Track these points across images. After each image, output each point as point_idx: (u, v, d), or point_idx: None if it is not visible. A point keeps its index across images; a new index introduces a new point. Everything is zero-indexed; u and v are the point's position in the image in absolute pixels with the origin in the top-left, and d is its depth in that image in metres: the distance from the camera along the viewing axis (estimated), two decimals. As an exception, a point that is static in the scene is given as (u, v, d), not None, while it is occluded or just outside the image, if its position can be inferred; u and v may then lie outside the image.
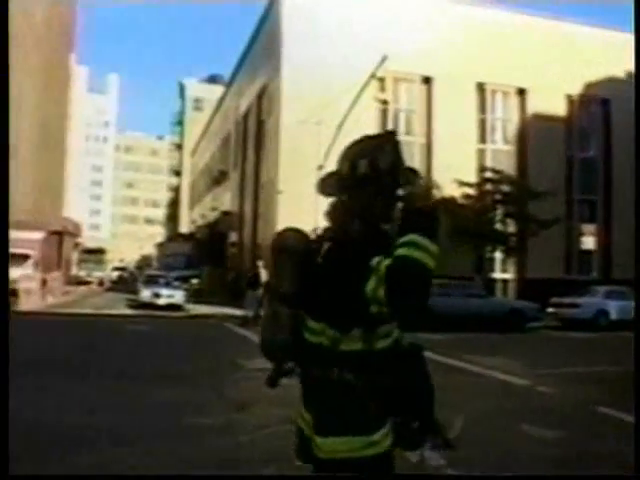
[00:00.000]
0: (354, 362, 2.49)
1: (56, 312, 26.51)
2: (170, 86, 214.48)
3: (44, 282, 32.19)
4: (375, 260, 2.38)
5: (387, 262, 2.34)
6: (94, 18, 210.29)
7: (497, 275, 33.69)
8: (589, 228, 36.53)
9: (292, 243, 2.67)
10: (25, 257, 31.97)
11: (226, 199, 47.99)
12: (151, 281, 32.22)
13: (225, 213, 46.45)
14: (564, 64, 33.73)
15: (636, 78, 22.23)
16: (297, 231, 2.72)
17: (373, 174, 2.57)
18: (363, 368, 2.49)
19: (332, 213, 2.68)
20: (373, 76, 27.33)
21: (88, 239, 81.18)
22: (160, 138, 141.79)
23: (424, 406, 2.60)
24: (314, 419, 2.57)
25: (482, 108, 35.23)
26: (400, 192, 2.62)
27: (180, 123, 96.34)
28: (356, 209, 2.61)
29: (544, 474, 6.13)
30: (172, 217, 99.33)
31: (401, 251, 2.32)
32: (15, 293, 26.37)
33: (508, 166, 33.58)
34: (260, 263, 25.68)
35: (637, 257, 27.01)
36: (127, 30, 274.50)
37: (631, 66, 26.06)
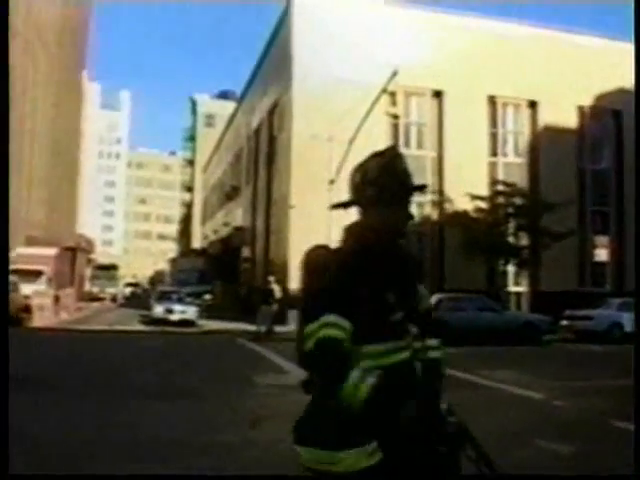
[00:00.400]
0: None
1: (69, 328, 26.59)
2: (182, 102, 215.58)
3: (57, 298, 32.30)
4: (326, 319, 2.45)
5: (321, 334, 2.44)
6: (106, 35, 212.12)
7: (510, 288, 33.53)
8: (602, 240, 36.35)
9: (321, 261, 2.70)
10: (38, 273, 32.08)
11: (238, 214, 48.08)
12: (164, 297, 32.29)
13: (237, 228, 46.52)
14: (575, 76, 33.71)
15: (636, 86, 22.14)
16: (325, 248, 2.78)
17: (361, 185, 2.66)
18: None
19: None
20: (384, 91, 27.36)
21: (101, 255, 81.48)
22: (172, 154, 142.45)
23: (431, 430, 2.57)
24: (294, 426, 2.59)
25: (493, 121, 35.23)
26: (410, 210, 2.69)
27: (192, 139, 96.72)
28: (358, 224, 2.70)
29: (545, 474, 6.10)
30: (184, 233, 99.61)
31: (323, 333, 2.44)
32: (28, 309, 26.48)
33: (520, 179, 33.52)
34: (272, 278, 25.69)
35: (637, 266, 26.96)
36: (138, 47, 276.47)
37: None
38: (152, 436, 7.75)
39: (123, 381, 12.16)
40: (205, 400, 10.33)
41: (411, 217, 2.69)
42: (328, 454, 2.43)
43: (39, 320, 26.78)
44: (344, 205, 2.75)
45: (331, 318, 2.44)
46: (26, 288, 27.30)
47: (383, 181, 2.61)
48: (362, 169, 2.67)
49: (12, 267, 30.36)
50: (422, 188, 2.81)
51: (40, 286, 30.49)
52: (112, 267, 70.47)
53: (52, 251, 37.09)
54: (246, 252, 43.73)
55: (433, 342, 2.82)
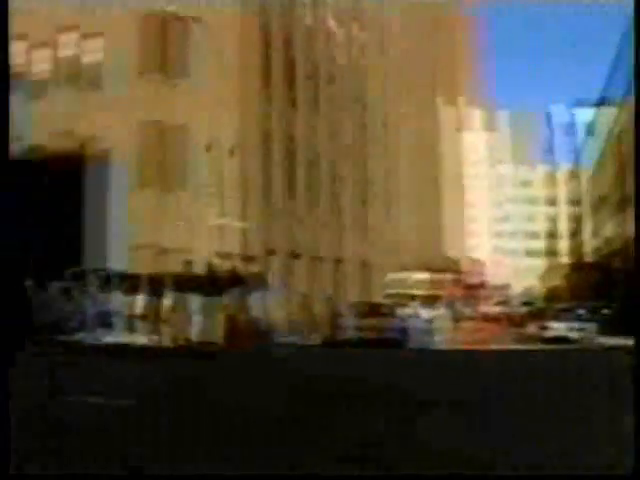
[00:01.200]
0: None
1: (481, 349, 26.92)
2: (561, 114, 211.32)
3: (453, 320, 33.83)
4: None
5: None
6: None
7: None
8: None
9: None
10: (436, 297, 34.16)
11: (629, 225, 46.05)
12: (558, 314, 32.00)
13: (629, 240, 44.59)
14: None
15: (636, 87, 18.85)
16: None
17: None
18: None
19: None
20: None
21: (491, 276, 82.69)
22: (554, 169, 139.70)
23: None
24: None
25: None
26: None
27: (575, 151, 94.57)
28: None
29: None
30: (572, 247, 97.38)
31: None
32: (429, 332, 28.32)
33: None
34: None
35: (637, 266, 21.45)
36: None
37: None
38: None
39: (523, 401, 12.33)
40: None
41: None
42: None
43: (452, 343, 28.04)
44: None
45: None
46: (425, 313, 29.28)
47: None
48: None
49: (410, 292, 32.90)
50: None
51: (438, 310, 32.42)
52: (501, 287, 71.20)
53: (448, 276, 39.20)
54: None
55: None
